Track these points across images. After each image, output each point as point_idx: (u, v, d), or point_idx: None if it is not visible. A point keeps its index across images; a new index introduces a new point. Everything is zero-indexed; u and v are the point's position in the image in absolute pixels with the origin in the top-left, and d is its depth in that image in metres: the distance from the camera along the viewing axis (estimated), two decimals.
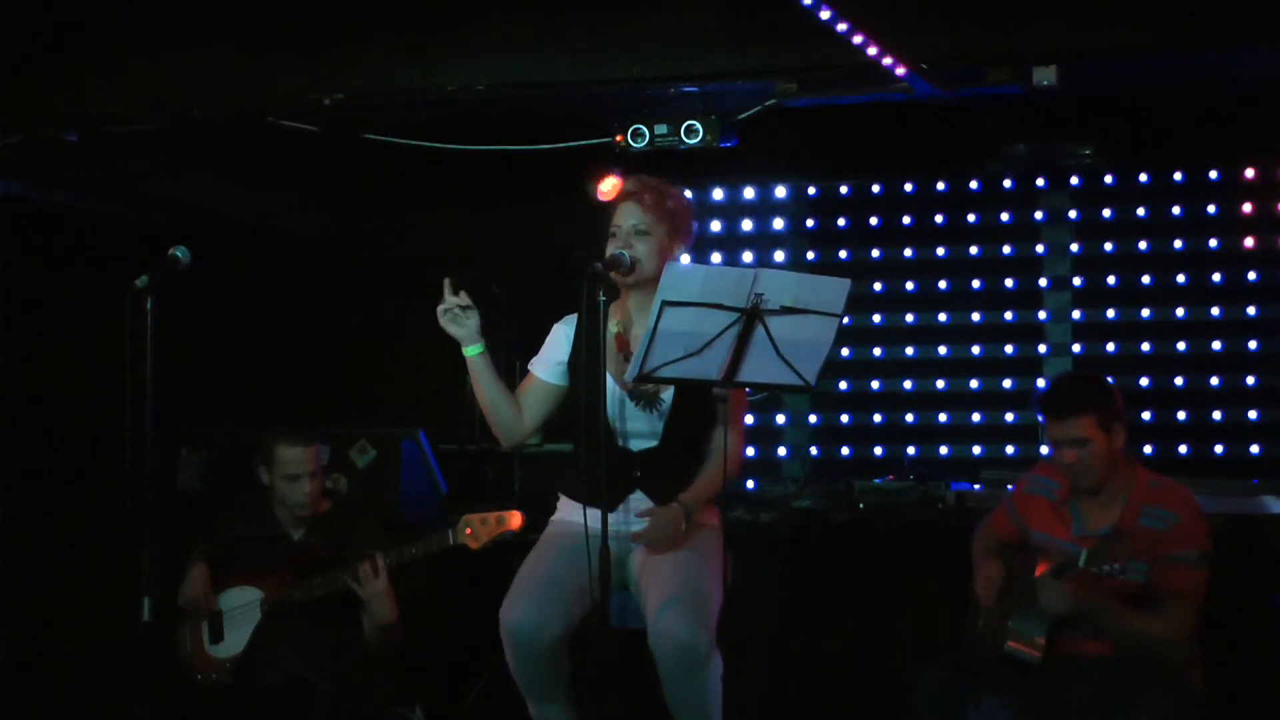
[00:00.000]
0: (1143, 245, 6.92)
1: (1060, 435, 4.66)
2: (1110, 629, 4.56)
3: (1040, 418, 4.86)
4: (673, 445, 4.55)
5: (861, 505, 6.26)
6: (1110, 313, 6.96)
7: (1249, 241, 6.77)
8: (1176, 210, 6.88)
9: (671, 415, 4.52)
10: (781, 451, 7.34)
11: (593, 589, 4.31)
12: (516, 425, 4.69)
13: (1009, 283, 7.11)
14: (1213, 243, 6.82)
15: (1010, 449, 7.01)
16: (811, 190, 7.42)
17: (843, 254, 7.35)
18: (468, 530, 5.13)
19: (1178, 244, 6.87)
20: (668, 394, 4.52)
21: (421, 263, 7.69)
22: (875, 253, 7.30)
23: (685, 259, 4.68)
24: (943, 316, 7.19)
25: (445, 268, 7.51)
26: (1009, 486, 5.27)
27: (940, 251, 7.21)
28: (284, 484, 5.46)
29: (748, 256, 7.39)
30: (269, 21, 5.92)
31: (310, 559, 5.42)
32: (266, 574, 5.43)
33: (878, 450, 7.22)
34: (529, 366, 4.73)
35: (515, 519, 5.07)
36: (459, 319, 4.54)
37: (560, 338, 4.69)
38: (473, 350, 4.57)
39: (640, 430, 4.55)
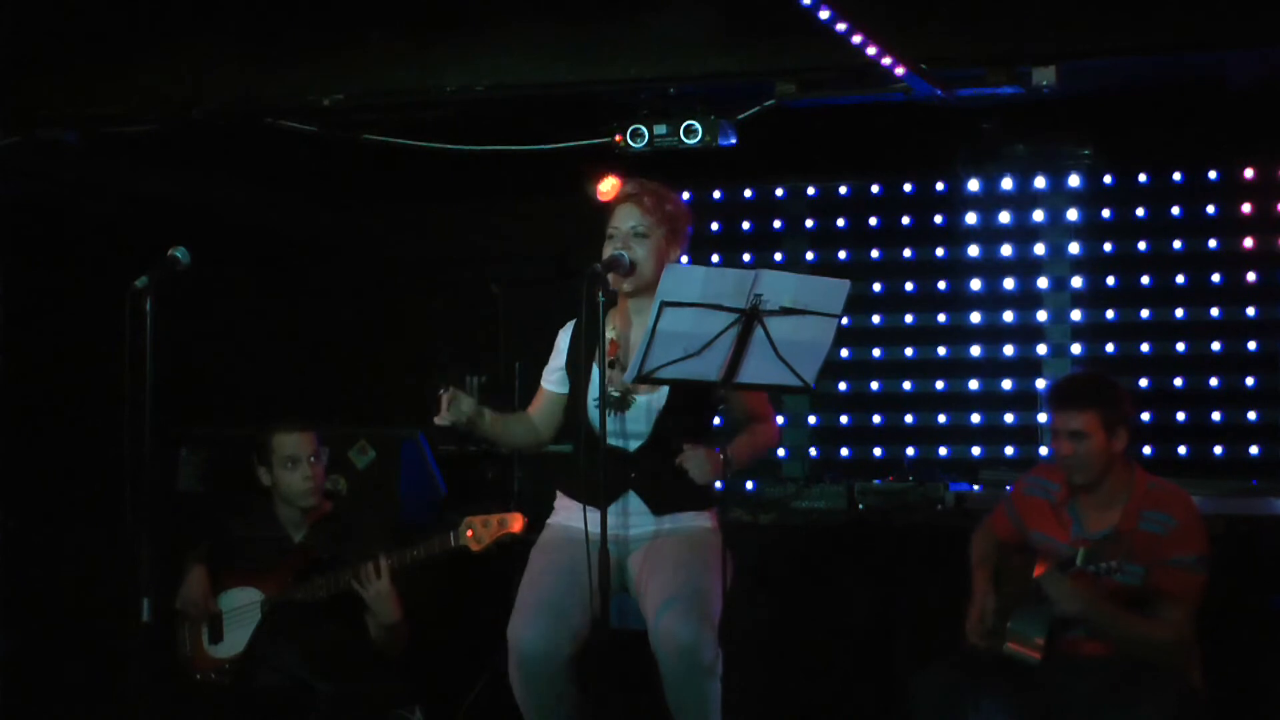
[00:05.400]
0: (1142, 246, 6.92)
1: (1061, 426, 4.68)
2: (1109, 629, 4.56)
3: (1047, 411, 4.87)
4: (665, 446, 4.53)
5: (861, 506, 6.26)
6: (1110, 313, 6.96)
7: (1248, 242, 6.77)
8: (1176, 211, 6.88)
9: (662, 415, 4.51)
10: (781, 452, 7.33)
11: (593, 596, 4.30)
12: (534, 441, 4.78)
13: (1008, 284, 7.11)
14: (1212, 243, 6.82)
15: (1009, 450, 7.01)
16: (811, 190, 7.42)
17: (842, 254, 7.35)
18: (469, 532, 5.13)
19: (1177, 244, 6.87)
20: (655, 394, 4.51)
21: (421, 263, 7.73)
22: (874, 253, 7.30)
23: (684, 259, 4.68)
24: (942, 317, 7.19)
25: (445, 268, 7.58)
26: (1008, 487, 5.27)
27: (939, 252, 7.21)
28: (284, 473, 5.44)
29: (746, 257, 7.38)
30: (269, 22, 5.92)
31: (311, 560, 5.42)
32: (267, 575, 5.43)
33: (877, 451, 7.22)
34: (541, 379, 4.77)
35: (517, 521, 5.07)
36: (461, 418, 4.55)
37: (561, 345, 4.73)
38: (483, 425, 4.60)
39: (633, 432, 4.54)
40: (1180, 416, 6.82)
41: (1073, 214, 7.02)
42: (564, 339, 4.72)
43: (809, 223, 7.41)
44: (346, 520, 5.56)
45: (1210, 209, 6.83)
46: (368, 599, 5.23)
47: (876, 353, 7.26)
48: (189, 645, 5.46)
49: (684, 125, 5.85)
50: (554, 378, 4.72)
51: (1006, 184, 7.09)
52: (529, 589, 4.54)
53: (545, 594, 4.48)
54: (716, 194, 7.48)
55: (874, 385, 7.26)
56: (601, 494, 4.27)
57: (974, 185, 7.13)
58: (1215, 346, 6.79)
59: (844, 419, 7.30)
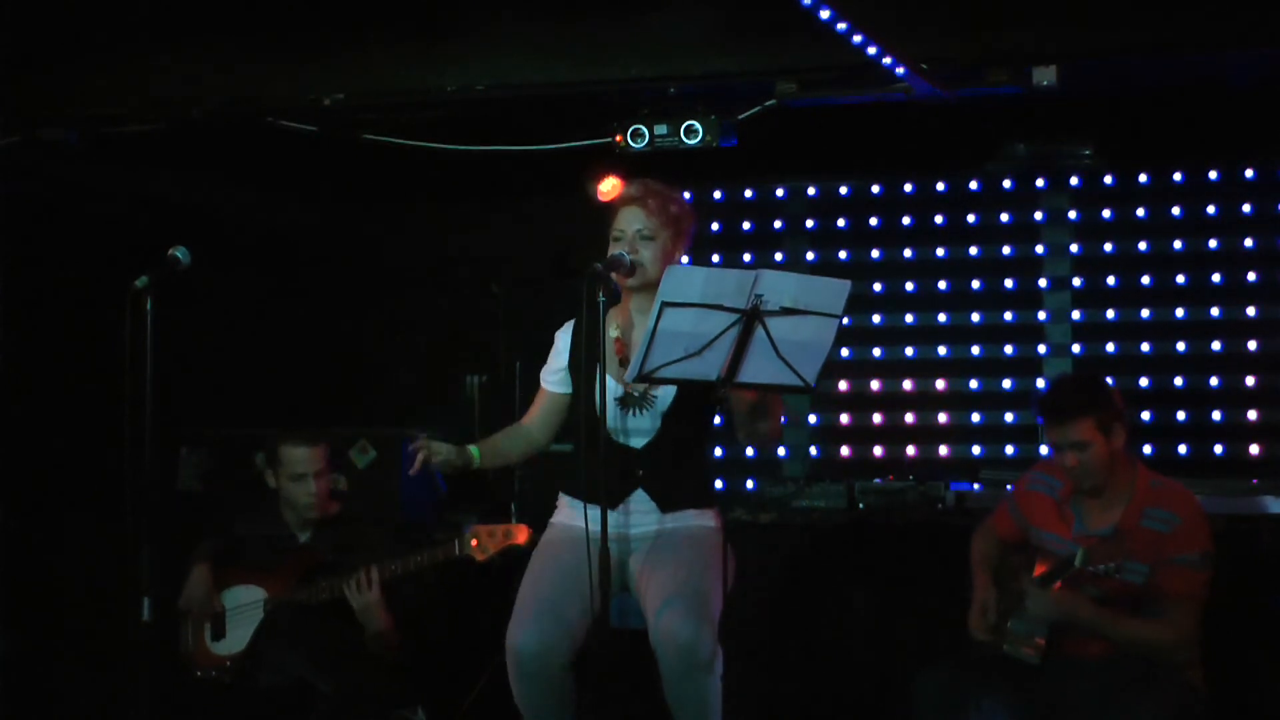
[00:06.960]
0: (1142, 246, 6.92)
1: (1059, 439, 4.66)
2: (1103, 633, 4.56)
3: (1040, 421, 4.86)
4: (671, 443, 4.54)
5: (861, 505, 6.27)
6: (1110, 313, 6.96)
7: (1249, 242, 6.77)
8: (1176, 210, 6.88)
9: (669, 414, 4.52)
10: (781, 452, 7.33)
11: (593, 596, 4.30)
12: (532, 451, 4.79)
13: (1009, 283, 7.11)
14: (1212, 243, 6.82)
15: (1010, 449, 7.01)
16: (811, 190, 7.42)
17: (842, 254, 7.35)
18: (474, 542, 5.13)
19: (1177, 244, 6.87)
20: (662, 392, 4.51)
21: (421, 263, 7.74)
22: (875, 253, 7.30)
23: (685, 259, 4.68)
24: (942, 317, 7.19)
25: (445, 268, 7.58)
26: (1008, 487, 5.27)
27: (940, 252, 7.21)
28: (290, 485, 5.48)
29: (747, 257, 7.39)
30: (269, 22, 5.92)
31: (316, 562, 5.43)
32: (271, 574, 5.44)
33: (877, 450, 7.21)
34: (540, 379, 4.76)
35: (522, 533, 5.06)
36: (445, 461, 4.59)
37: (561, 345, 4.70)
38: (475, 457, 4.62)
39: (639, 429, 4.54)
40: (1180, 416, 6.82)
41: (1073, 214, 7.02)
42: (564, 339, 4.70)
43: (809, 223, 7.41)
44: (352, 524, 5.56)
45: (1211, 209, 6.83)
46: (356, 609, 5.25)
47: (877, 352, 7.26)
48: (191, 642, 5.47)
49: (684, 125, 5.86)
50: (555, 378, 4.71)
51: (1006, 184, 7.10)
52: (529, 589, 4.54)
53: (545, 595, 4.47)
54: (717, 194, 7.47)
55: (874, 385, 7.26)
56: (603, 494, 4.27)
57: (974, 185, 7.14)
58: (1215, 346, 6.79)
59: (844, 418, 7.30)
